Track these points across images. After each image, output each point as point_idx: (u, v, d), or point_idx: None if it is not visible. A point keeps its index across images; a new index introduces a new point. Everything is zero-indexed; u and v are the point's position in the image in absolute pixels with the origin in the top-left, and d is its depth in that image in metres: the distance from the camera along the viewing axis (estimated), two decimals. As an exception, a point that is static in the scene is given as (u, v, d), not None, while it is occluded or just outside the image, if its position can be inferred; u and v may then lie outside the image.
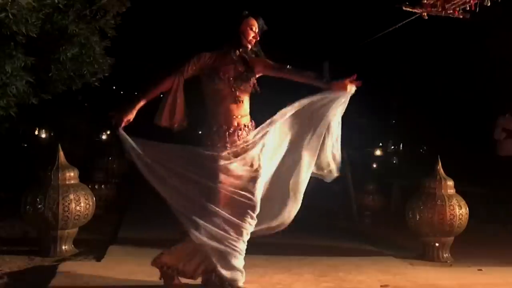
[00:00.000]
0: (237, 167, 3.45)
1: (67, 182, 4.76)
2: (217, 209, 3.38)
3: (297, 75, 3.60)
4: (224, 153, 3.45)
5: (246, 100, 3.57)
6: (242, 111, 3.54)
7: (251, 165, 3.48)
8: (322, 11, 10.56)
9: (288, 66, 3.57)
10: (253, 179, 3.46)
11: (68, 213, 4.68)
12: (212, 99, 3.57)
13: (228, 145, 3.47)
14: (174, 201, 3.43)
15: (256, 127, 3.58)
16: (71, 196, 4.71)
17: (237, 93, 3.51)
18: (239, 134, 3.50)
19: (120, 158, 8.84)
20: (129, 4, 4.82)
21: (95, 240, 5.35)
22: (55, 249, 4.74)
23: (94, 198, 5.02)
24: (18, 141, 11.59)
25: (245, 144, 3.49)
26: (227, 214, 3.39)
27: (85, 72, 4.81)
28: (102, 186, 7.47)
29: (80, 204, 4.76)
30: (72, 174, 4.83)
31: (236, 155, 3.47)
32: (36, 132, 14.81)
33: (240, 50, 3.59)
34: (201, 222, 3.35)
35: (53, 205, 4.63)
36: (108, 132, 16.63)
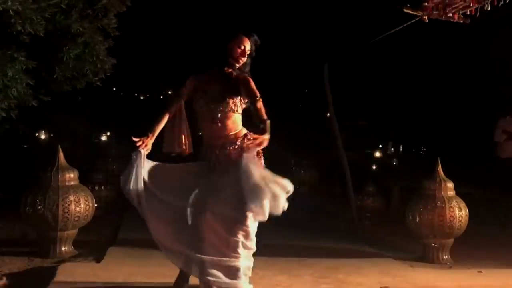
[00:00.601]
0: (226, 183, 3.32)
1: (67, 183, 4.76)
2: (207, 231, 3.27)
3: (255, 111, 3.29)
4: (212, 169, 3.39)
5: (231, 118, 3.41)
6: (227, 130, 3.40)
7: (241, 180, 3.28)
8: (322, 13, 10.58)
9: (258, 97, 3.29)
10: (243, 192, 3.25)
11: (68, 214, 4.68)
12: (199, 119, 3.51)
13: (216, 163, 3.40)
14: (162, 234, 3.40)
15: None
16: (71, 197, 4.71)
17: (216, 113, 3.38)
18: (227, 152, 3.39)
19: (120, 159, 8.83)
20: (129, 3, 4.81)
21: (94, 241, 5.36)
22: (55, 250, 4.74)
23: (94, 199, 5.02)
24: (18, 142, 11.61)
25: (235, 160, 3.34)
26: (220, 232, 3.28)
27: (87, 71, 4.80)
28: (102, 187, 7.45)
29: (80, 205, 4.76)
30: (72, 175, 4.82)
31: (224, 172, 3.35)
32: (36, 133, 14.85)
33: (225, 68, 3.45)
34: (193, 255, 3.26)
35: (53, 206, 4.63)
36: (108, 134, 16.66)
